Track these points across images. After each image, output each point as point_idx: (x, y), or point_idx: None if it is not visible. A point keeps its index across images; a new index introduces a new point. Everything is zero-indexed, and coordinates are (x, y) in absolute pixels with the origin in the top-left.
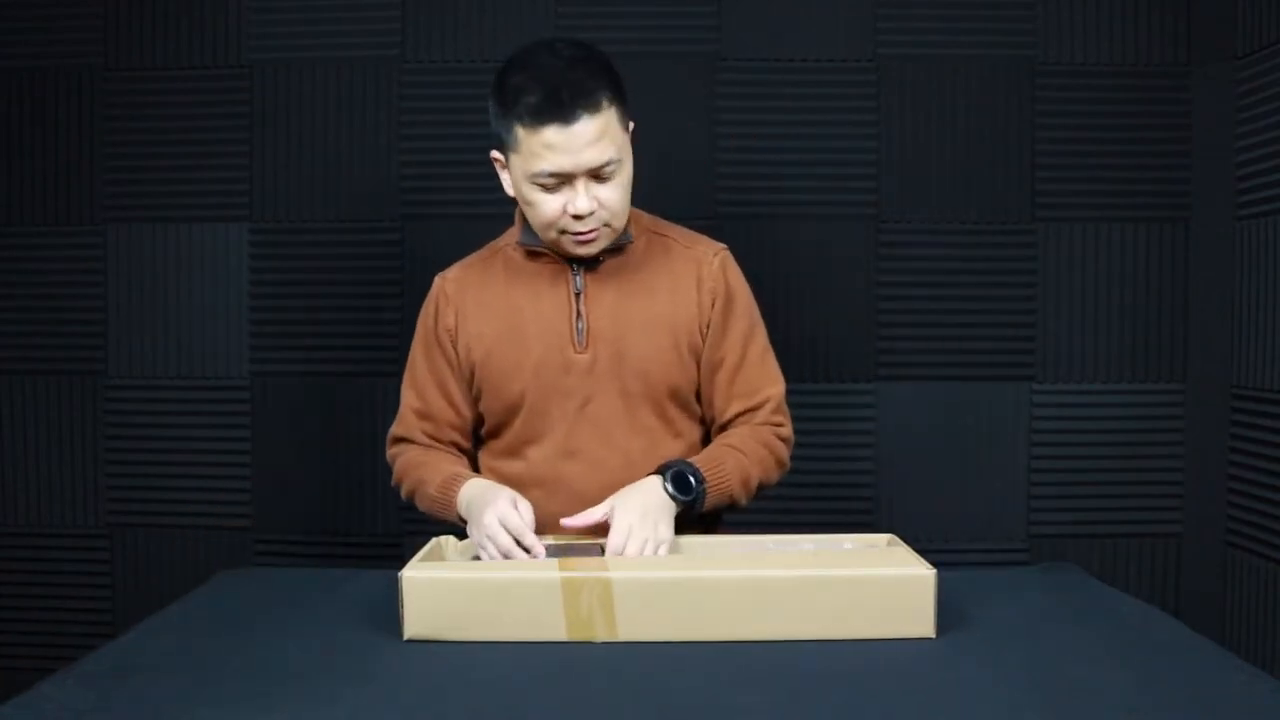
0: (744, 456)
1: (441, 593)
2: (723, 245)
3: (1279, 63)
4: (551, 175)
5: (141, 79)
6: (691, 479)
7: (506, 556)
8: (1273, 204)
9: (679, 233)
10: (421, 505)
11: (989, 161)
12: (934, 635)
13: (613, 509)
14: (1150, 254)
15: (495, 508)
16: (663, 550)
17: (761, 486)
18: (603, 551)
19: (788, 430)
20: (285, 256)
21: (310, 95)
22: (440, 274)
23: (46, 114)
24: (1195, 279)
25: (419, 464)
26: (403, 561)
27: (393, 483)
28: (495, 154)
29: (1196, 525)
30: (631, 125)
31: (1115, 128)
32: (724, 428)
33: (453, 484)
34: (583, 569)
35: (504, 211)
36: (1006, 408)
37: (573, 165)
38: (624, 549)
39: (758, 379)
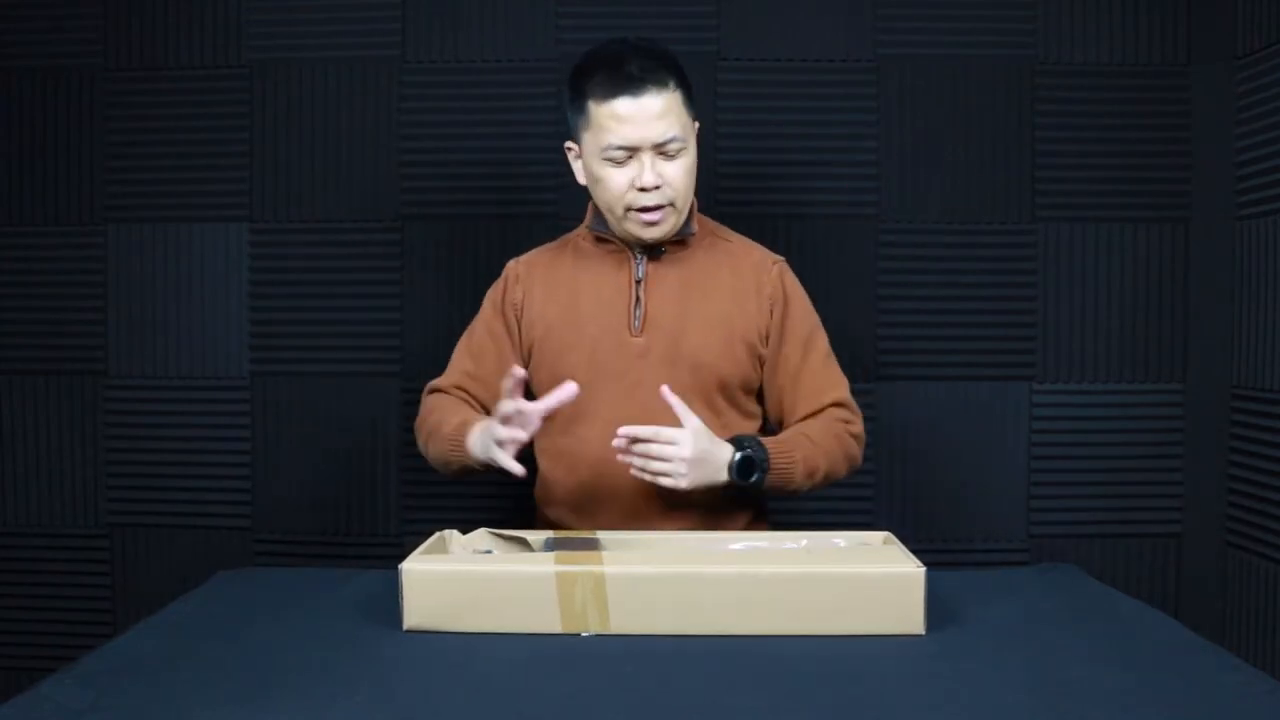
0: (815, 446)
1: (440, 584)
2: (780, 256)
3: (1279, 63)
4: (620, 148)
5: (141, 79)
6: (755, 471)
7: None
8: (1273, 204)
9: (740, 239)
10: (433, 447)
11: (989, 161)
12: (923, 632)
13: (687, 429)
14: (1150, 254)
15: (488, 421)
16: (671, 473)
17: (828, 478)
18: (598, 546)
19: (858, 427)
20: (285, 256)
21: (310, 95)
22: (513, 259)
23: (46, 114)
24: (1195, 279)
25: (443, 408)
26: (404, 559)
27: (416, 423)
28: (569, 143)
29: (1196, 525)
30: (697, 125)
31: (1115, 128)
32: None
33: (464, 428)
34: (576, 563)
35: (505, 213)
36: (1006, 408)
37: (639, 137)
38: (648, 442)
39: (823, 382)
